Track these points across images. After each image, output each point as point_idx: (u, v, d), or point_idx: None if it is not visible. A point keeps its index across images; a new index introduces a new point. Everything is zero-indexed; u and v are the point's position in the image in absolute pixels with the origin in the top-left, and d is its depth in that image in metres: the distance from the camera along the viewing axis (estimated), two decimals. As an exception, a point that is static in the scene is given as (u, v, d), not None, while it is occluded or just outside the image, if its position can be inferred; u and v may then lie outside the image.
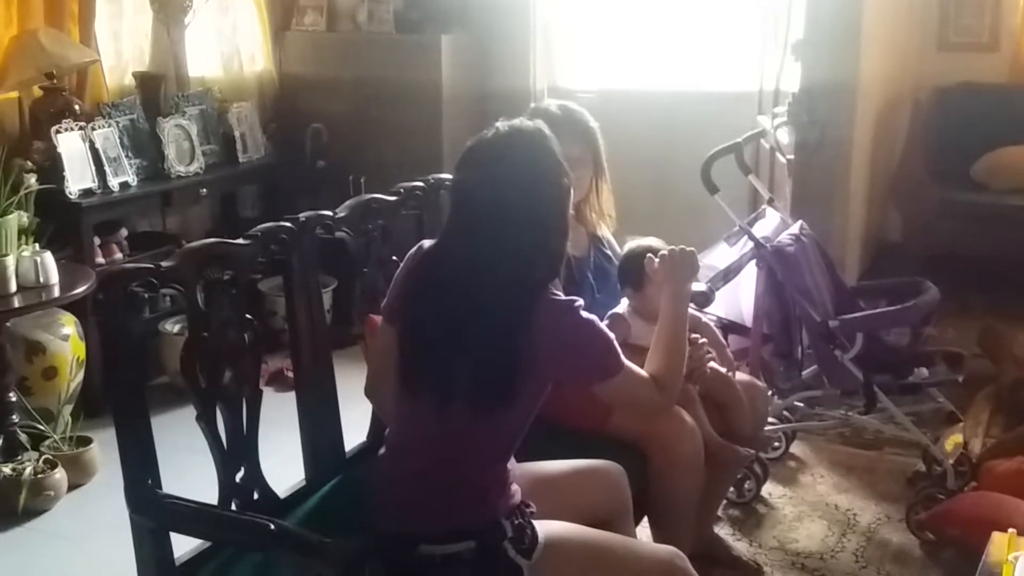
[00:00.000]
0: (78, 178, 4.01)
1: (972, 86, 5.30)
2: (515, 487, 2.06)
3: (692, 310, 2.79)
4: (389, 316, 2.13)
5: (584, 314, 2.01)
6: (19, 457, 3.50)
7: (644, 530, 2.59)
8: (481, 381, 1.94)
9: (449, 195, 2.13)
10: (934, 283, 3.36)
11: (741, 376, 2.91)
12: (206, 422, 2.12)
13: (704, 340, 2.71)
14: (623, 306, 2.72)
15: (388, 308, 2.14)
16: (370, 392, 2.34)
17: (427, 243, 2.13)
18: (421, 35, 5.08)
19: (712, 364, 2.72)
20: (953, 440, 3.41)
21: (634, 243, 2.74)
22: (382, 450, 2.19)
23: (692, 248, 2.36)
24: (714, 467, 2.75)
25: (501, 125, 2.03)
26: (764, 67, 4.78)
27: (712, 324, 2.89)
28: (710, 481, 2.77)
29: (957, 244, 4.96)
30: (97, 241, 4.15)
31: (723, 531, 3.25)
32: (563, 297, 2.02)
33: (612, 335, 2.05)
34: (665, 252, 2.33)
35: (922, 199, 5.22)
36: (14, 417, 3.59)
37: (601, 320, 2.63)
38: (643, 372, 2.14)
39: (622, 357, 2.06)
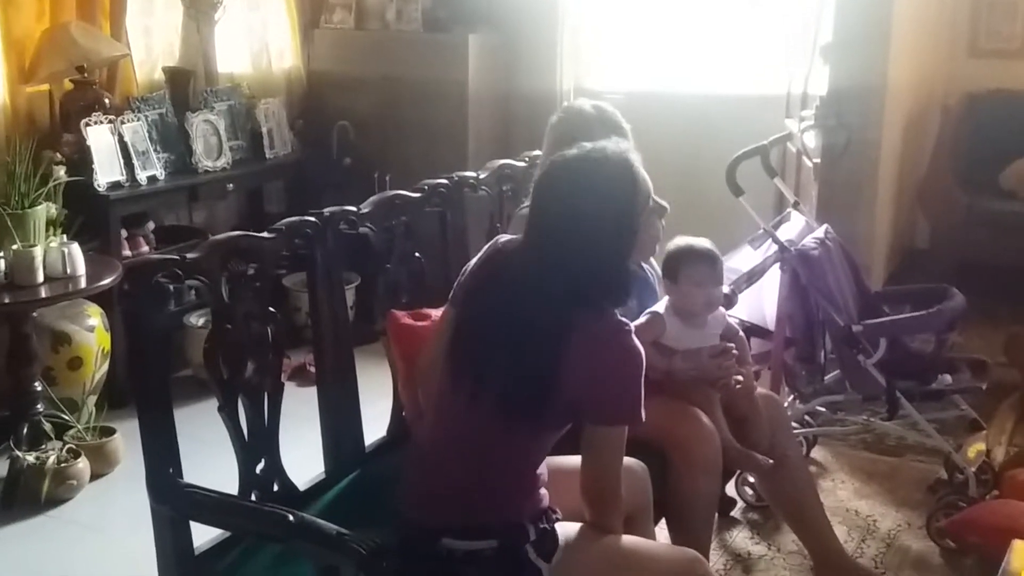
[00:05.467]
0: (107, 171, 4.04)
1: (1003, 93, 5.25)
2: (543, 491, 2.07)
3: (728, 316, 2.81)
4: (453, 299, 2.16)
5: (633, 341, 1.96)
6: (43, 446, 3.53)
7: (661, 532, 2.58)
8: (511, 390, 1.94)
9: (531, 194, 2.12)
10: (960, 290, 3.33)
11: (760, 390, 2.90)
12: (228, 414, 2.14)
13: (736, 353, 2.70)
14: (662, 304, 2.72)
15: (455, 292, 2.16)
16: (420, 374, 2.30)
17: (503, 238, 2.14)
18: (448, 34, 5.10)
19: (737, 377, 2.72)
20: (976, 448, 3.38)
21: (682, 239, 2.75)
22: (410, 440, 2.20)
23: None
24: (785, 479, 2.84)
25: (595, 145, 2.00)
26: (792, 70, 4.76)
27: (741, 332, 2.88)
28: (794, 493, 2.87)
29: (984, 252, 4.92)
30: (124, 234, 4.18)
31: (742, 534, 3.25)
32: (616, 317, 1.97)
33: (642, 382, 1.97)
34: None
35: (950, 206, 5.17)
36: (39, 406, 3.63)
37: (635, 318, 2.66)
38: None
39: (642, 414, 1.98)
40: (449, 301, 2.18)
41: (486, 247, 2.16)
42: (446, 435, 2.06)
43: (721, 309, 2.79)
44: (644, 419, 1.98)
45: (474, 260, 2.15)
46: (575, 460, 2.07)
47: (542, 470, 2.08)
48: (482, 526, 1.98)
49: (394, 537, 1.99)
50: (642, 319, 2.68)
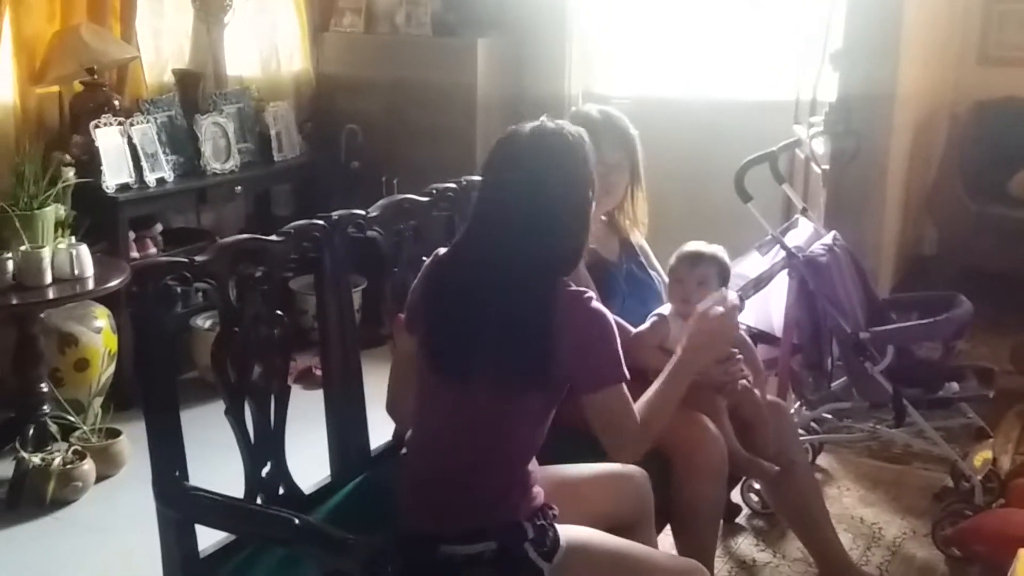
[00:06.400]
0: (115, 173, 4.06)
1: (1012, 101, 5.24)
2: (537, 489, 2.06)
3: None
4: (409, 324, 2.13)
5: (596, 305, 1.98)
6: (49, 447, 3.54)
7: (666, 538, 2.58)
8: (505, 364, 1.94)
9: (475, 194, 2.13)
10: (968, 298, 3.33)
11: (767, 396, 2.89)
12: (234, 416, 2.14)
13: (741, 356, 2.70)
14: (668, 307, 2.72)
15: (408, 316, 2.15)
16: (391, 406, 2.32)
17: (442, 251, 2.14)
18: (457, 38, 5.11)
19: (744, 383, 2.71)
20: (982, 456, 3.37)
21: (694, 244, 2.76)
22: (404, 450, 2.20)
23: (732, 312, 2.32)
24: (791, 486, 2.84)
25: (532, 123, 2.03)
26: (801, 76, 4.75)
27: (749, 340, 2.87)
28: (800, 500, 2.87)
29: (992, 259, 4.91)
30: (132, 236, 4.20)
31: (747, 540, 3.25)
32: (574, 287, 1.99)
33: (619, 343, 1.99)
34: (706, 308, 2.28)
35: (958, 213, 5.17)
36: (45, 408, 3.64)
37: (641, 323, 2.66)
38: (635, 406, 2.06)
39: (624, 368, 2.00)
40: (404, 327, 2.15)
41: (425, 264, 2.14)
42: (434, 444, 2.06)
43: None
44: (628, 377, 2.00)
45: (417, 280, 2.14)
46: (576, 469, 2.07)
47: (534, 467, 2.08)
48: (479, 529, 1.98)
49: (398, 543, 1.99)
50: (647, 323, 2.68)
